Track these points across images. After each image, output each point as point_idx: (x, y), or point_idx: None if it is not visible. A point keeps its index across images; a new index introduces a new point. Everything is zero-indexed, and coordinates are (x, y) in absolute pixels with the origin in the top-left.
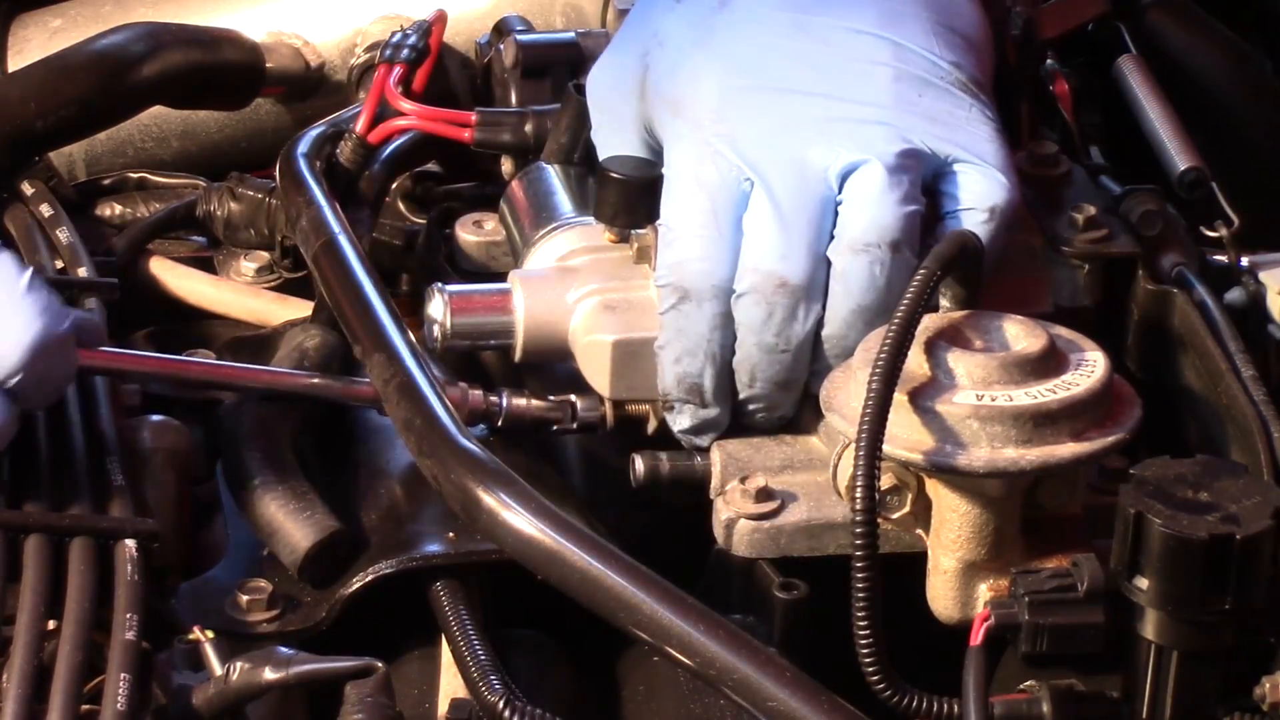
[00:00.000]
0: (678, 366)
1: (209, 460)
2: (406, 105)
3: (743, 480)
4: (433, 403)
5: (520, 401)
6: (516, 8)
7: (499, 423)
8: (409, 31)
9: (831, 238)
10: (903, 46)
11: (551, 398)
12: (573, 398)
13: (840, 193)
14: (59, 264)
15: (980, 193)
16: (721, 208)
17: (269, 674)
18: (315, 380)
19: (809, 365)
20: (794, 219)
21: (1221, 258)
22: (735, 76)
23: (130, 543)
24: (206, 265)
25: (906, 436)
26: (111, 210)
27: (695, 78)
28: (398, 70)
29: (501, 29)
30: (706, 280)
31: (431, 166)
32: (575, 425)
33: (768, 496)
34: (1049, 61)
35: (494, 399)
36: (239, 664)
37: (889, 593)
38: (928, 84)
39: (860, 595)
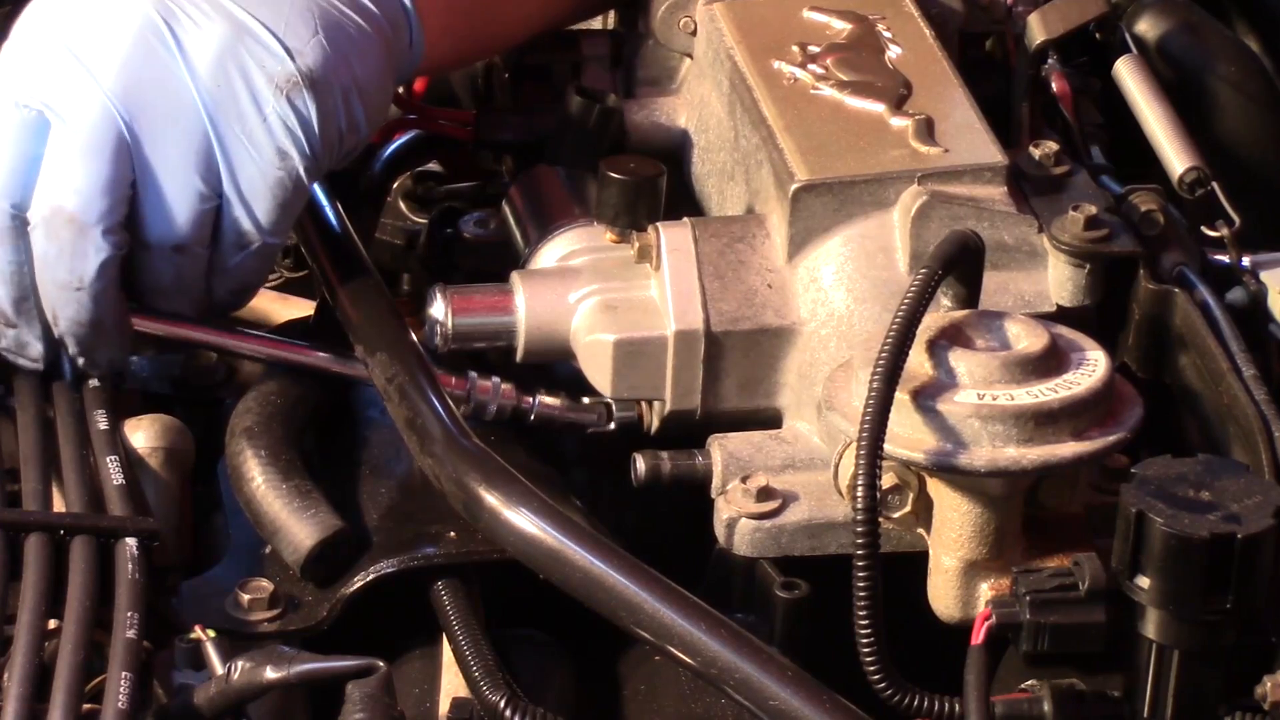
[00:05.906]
0: None
1: (209, 460)
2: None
3: (744, 479)
4: (434, 402)
5: (554, 401)
6: None
7: (530, 419)
8: None
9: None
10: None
11: (586, 400)
12: (609, 399)
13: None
14: None
15: None
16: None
17: (270, 673)
18: (318, 353)
19: (117, 309)
20: (93, 154)
21: (1223, 257)
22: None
23: (131, 541)
24: None
25: (908, 436)
26: None
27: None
28: None
29: None
30: None
31: (432, 166)
32: (613, 427)
33: (769, 496)
34: (1049, 61)
35: (527, 397)
36: (240, 663)
37: (890, 592)
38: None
39: (861, 594)
